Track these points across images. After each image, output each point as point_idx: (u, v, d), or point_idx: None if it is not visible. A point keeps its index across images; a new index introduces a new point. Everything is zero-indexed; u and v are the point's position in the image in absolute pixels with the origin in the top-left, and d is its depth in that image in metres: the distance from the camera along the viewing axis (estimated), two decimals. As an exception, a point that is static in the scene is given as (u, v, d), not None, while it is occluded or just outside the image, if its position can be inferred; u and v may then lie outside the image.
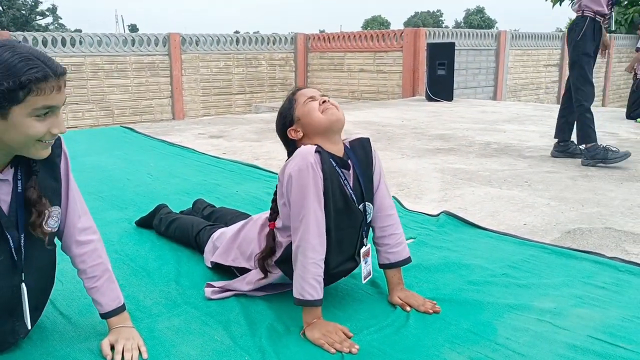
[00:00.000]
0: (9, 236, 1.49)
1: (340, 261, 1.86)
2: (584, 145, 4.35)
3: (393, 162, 4.46)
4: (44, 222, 1.54)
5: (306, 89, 1.88)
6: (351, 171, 1.82)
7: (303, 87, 1.91)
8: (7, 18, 42.36)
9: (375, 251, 1.99)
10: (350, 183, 1.81)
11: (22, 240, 1.52)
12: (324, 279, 1.75)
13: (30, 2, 44.36)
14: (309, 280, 1.69)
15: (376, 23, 58.01)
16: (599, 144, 4.28)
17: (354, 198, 1.81)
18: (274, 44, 12.67)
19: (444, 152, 4.90)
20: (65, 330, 1.76)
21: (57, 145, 1.57)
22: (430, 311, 1.85)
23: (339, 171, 1.78)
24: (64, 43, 10.07)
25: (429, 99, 9.65)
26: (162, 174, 4.09)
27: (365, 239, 1.91)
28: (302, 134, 1.81)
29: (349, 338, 1.68)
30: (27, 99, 1.32)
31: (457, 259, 2.33)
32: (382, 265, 1.96)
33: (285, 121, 1.84)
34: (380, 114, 7.90)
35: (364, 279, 1.92)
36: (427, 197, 3.44)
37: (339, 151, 1.82)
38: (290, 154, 1.85)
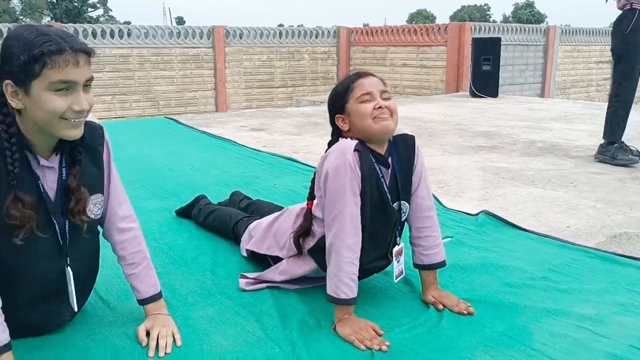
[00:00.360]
0: (54, 221, 1.54)
1: (373, 258, 1.84)
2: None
3: (433, 159, 4.40)
4: (87, 209, 1.58)
5: (368, 78, 1.76)
6: (390, 169, 1.80)
7: (366, 75, 1.78)
8: (60, 10, 43.80)
9: (411, 250, 1.97)
10: (387, 181, 1.79)
11: (67, 226, 1.57)
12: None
13: (82, -5, 45.69)
14: (343, 279, 1.68)
15: (421, 17, 57.26)
16: (617, 143, 4.20)
17: (390, 196, 1.79)
18: (316, 37, 12.68)
19: (487, 150, 4.80)
20: (105, 315, 1.82)
21: (99, 135, 1.61)
22: (465, 312, 1.82)
23: (378, 168, 1.76)
24: (112, 35, 10.35)
25: (473, 95, 9.47)
26: (203, 165, 4.15)
27: (398, 237, 1.89)
28: (348, 127, 1.79)
29: (380, 335, 1.67)
30: (43, 72, 1.35)
31: (494, 260, 2.28)
32: (416, 266, 1.94)
33: (336, 107, 1.80)
34: (423, 109, 7.80)
35: (396, 278, 1.90)
36: (467, 196, 3.38)
37: (381, 148, 1.79)
38: (333, 135, 1.84)
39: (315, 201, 1.86)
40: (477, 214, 2.89)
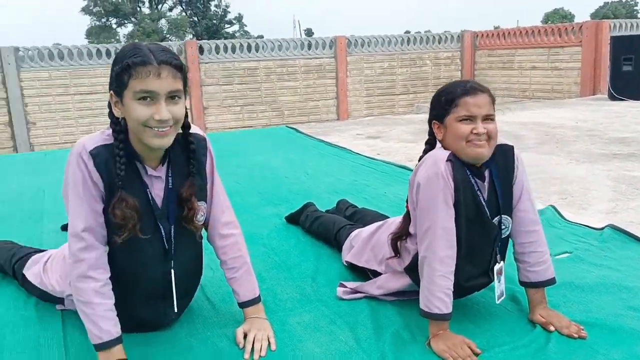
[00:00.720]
0: (161, 227, 1.66)
1: (472, 274, 1.76)
2: None
3: (558, 168, 4.11)
4: (195, 217, 1.69)
5: (476, 96, 1.65)
6: (487, 182, 1.71)
7: (474, 92, 1.65)
8: (201, 27, 47.30)
9: (516, 267, 1.85)
10: (484, 194, 1.70)
11: (173, 231, 1.69)
12: (456, 292, 1.68)
13: (220, 12, 48.94)
14: (436, 293, 1.63)
15: (557, 16, 53.66)
16: None
17: (488, 210, 1.70)
18: (439, 42, 12.43)
19: (622, 158, 4.37)
20: (209, 315, 1.92)
21: (202, 146, 1.71)
22: (575, 335, 1.66)
23: (473, 181, 1.68)
24: (242, 49, 10.97)
25: (612, 97, 8.69)
26: (317, 173, 4.24)
27: (499, 255, 1.78)
28: (442, 137, 1.74)
29: (476, 355, 1.59)
30: (130, 83, 1.46)
31: (618, 280, 2.06)
32: (522, 283, 1.82)
33: (436, 113, 1.74)
34: (553, 114, 7.31)
35: (498, 299, 1.79)
36: (593, 208, 3.11)
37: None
38: (429, 135, 1.80)
39: (410, 224, 1.82)
40: (602, 228, 2.64)
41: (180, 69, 1.51)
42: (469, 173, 1.67)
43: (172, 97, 1.50)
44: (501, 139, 1.75)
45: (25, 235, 2.78)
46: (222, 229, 1.80)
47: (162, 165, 1.65)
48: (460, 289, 1.74)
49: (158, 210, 1.65)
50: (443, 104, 1.72)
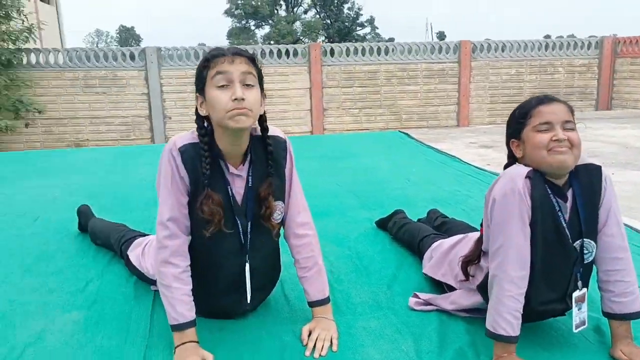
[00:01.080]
0: (238, 222, 1.78)
1: (548, 299, 1.66)
2: None
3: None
4: (271, 216, 1.79)
5: (551, 105, 1.61)
6: (569, 203, 1.61)
7: (549, 101, 1.62)
8: (333, 30, 48.35)
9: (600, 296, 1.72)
10: (566, 215, 1.60)
11: (249, 227, 1.80)
12: (528, 314, 1.61)
13: (352, 15, 49.66)
14: (503, 314, 1.57)
15: None
16: None
17: (569, 233, 1.60)
18: (574, 49, 11.60)
19: None
20: (283, 311, 2.01)
21: (282, 148, 1.80)
22: (659, 378, 1.52)
23: (554, 200, 1.60)
24: (363, 52, 11.08)
25: None
26: (420, 180, 4.19)
27: (580, 281, 1.67)
28: (522, 155, 1.68)
29: (540, 384, 1.51)
30: (208, 73, 1.63)
31: None
32: (605, 314, 1.69)
33: (512, 131, 1.70)
34: (699, 131, 6.54)
35: (576, 328, 1.68)
36: None
37: (559, 179, 1.62)
38: (509, 158, 1.74)
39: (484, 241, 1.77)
40: None
41: (253, 61, 1.65)
42: (549, 192, 1.59)
43: (246, 84, 1.63)
44: (585, 157, 1.64)
45: (139, 219, 3.08)
46: (298, 229, 1.87)
47: (243, 165, 1.76)
48: (534, 313, 1.66)
49: (237, 206, 1.77)
50: (517, 118, 1.67)
